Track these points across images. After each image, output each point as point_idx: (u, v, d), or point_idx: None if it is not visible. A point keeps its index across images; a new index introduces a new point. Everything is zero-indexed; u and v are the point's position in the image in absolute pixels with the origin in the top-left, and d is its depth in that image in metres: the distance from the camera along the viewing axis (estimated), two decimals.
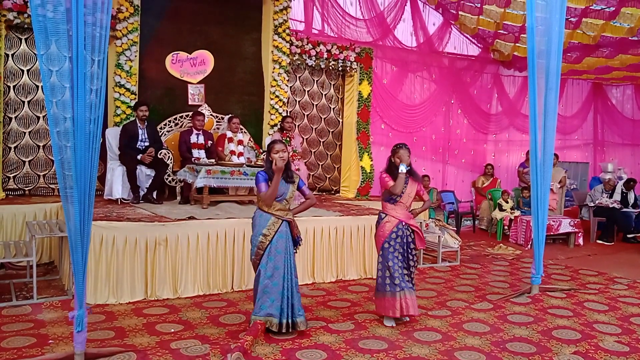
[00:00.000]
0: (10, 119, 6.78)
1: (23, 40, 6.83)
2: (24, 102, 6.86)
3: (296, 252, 4.42)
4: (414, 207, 4.83)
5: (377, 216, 4.78)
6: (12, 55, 6.77)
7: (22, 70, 6.83)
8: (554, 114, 5.41)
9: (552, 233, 8.62)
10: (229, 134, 7.26)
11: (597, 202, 9.94)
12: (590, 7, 7.81)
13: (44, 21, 3.30)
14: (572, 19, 8.23)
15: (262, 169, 4.38)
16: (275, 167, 4.11)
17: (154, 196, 6.72)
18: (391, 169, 4.64)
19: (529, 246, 8.32)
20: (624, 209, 9.69)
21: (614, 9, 7.74)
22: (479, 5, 9.23)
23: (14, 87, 6.78)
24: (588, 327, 4.69)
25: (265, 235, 4.20)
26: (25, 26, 6.63)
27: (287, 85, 8.46)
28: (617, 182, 10.30)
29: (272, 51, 8.21)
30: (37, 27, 3.31)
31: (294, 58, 8.48)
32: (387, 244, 4.58)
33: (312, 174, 9.03)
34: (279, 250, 4.21)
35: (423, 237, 4.77)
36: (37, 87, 6.88)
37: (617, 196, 9.84)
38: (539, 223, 5.60)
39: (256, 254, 4.25)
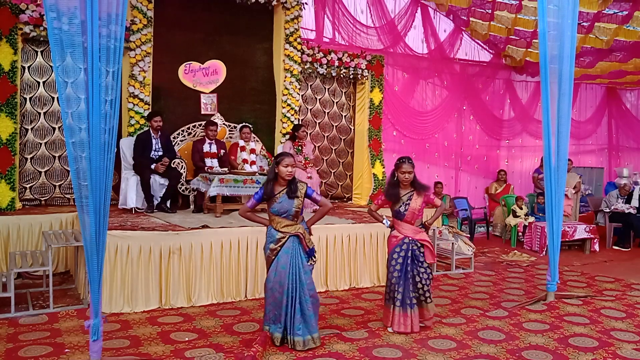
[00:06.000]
0: (27, 130, 6.88)
1: (39, 53, 6.94)
2: (40, 113, 6.96)
3: (311, 264, 4.26)
4: (427, 213, 4.79)
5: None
6: (29, 67, 6.88)
7: (38, 82, 6.93)
8: (568, 119, 5.36)
9: (567, 239, 8.51)
10: (242, 142, 7.32)
11: (612, 207, 9.81)
12: (603, 12, 7.76)
13: (59, 34, 3.36)
14: (584, 24, 8.17)
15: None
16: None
17: (168, 205, 6.77)
18: (391, 186, 4.59)
19: (544, 253, 8.23)
20: None
21: (626, 13, 7.68)
22: (490, 11, 9.21)
23: (30, 99, 6.89)
24: (605, 335, 4.63)
25: (272, 249, 4.19)
26: (41, 39, 6.73)
27: (298, 94, 8.49)
28: (633, 187, 10.16)
29: (284, 60, 8.25)
30: (53, 39, 3.37)
31: (305, 66, 8.52)
32: (391, 257, 4.59)
33: (324, 181, 9.05)
34: (283, 266, 4.14)
35: (433, 251, 4.69)
36: (53, 98, 6.99)
37: (636, 202, 9.68)
38: (553, 229, 5.54)
39: (267, 266, 4.26)
